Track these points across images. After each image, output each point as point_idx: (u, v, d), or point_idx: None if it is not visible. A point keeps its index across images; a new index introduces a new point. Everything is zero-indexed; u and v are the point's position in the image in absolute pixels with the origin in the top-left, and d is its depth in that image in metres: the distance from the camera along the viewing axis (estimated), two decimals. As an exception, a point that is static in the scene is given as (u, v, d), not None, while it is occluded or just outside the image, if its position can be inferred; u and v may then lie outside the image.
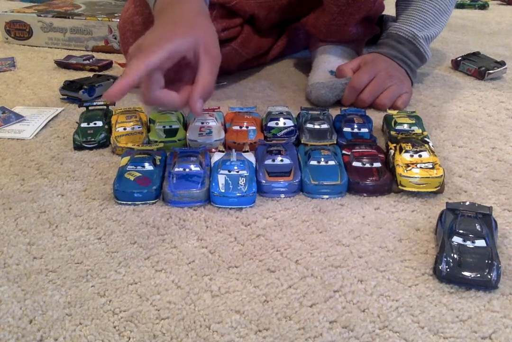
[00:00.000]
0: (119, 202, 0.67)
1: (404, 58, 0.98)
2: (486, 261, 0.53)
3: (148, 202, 0.67)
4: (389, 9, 1.08)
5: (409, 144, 0.71)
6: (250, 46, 1.09)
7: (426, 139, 0.75)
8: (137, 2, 0.96)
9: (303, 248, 0.59)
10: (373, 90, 0.94)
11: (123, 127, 0.81)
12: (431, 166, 0.68)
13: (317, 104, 0.96)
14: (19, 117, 0.90)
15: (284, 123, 0.81)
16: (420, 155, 0.70)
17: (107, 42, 1.30)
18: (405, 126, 0.80)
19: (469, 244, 0.54)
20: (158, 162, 0.71)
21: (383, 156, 0.73)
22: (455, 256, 0.53)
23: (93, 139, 0.80)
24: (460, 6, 1.92)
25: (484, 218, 0.58)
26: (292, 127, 0.81)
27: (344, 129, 0.81)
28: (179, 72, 0.69)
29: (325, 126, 0.81)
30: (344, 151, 0.74)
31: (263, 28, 1.12)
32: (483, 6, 1.93)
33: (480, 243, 0.54)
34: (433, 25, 1.00)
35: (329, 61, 1.03)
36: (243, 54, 1.08)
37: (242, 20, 1.06)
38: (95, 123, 0.83)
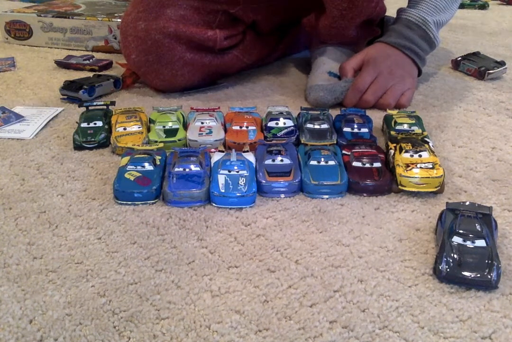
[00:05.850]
0: (119, 202, 0.67)
1: (412, 45, 0.97)
2: (486, 261, 0.53)
3: (148, 202, 0.67)
4: (390, 9, 1.08)
5: (409, 144, 0.71)
6: (252, 52, 1.09)
7: (426, 139, 0.75)
8: (140, 7, 0.95)
9: (303, 248, 0.59)
10: (376, 91, 0.94)
11: (123, 127, 0.81)
12: (431, 166, 0.68)
13: (315, 106, 0.95)
14: (19, 117, 0.90)
15: (284, 123, 0.81)
16: (420, 155, 0.70)
17: (107, 42, 1.30)
18: (405, 126, 0.80)
19: (469, 244, 0.54)
20: (158, 162, 0.71)
21: (383, 156, 0.73)
22: (455, 256, 0.53)
23: (93, 139, 0.80)
24: (460, 6, 1.89)
25: (484, 218, 0.58)
26: (292, 127, 0.81)
27: (344, 129, 0.81)
28: None
29: (325, 126, 0.81)
30: (344, 151, 0.74)
31: (265, 32, 1.11)
32: (483, 6, 1.93)
33: (480, 243, 0.54)
34: (443, 11, 0.98)
35: (328, 63, 1.03)
36: (244, 61, 1.08)
37: (244, 26, 1.05)
38: (95, 123, 0.83)
